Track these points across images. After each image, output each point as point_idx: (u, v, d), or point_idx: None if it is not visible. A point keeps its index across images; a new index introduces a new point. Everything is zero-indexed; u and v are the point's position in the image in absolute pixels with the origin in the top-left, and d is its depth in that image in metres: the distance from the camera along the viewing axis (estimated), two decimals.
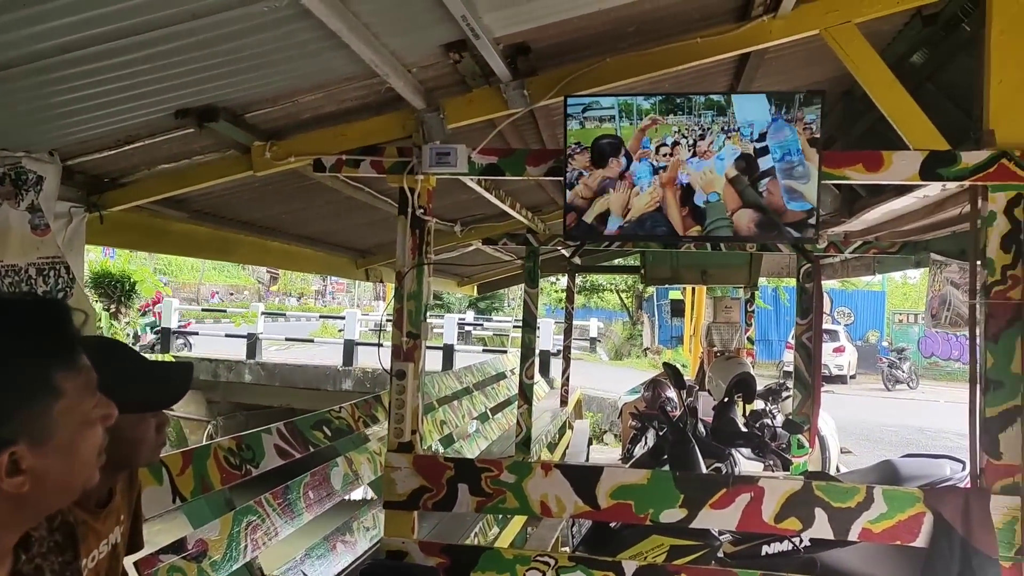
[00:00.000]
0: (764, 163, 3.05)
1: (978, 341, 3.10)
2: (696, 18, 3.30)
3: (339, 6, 2.34)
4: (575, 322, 26.92)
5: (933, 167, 3.08)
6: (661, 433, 5.22)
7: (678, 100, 3.13)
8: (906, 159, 3.10)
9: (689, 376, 11.06)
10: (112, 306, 13.00)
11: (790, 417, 6.38)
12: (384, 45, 2.84)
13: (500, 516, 5.38)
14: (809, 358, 6.64)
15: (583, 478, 3.27)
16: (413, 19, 2.70)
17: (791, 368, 22.67)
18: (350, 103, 3.40)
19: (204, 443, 3.64)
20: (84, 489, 1.25)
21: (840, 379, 23.95)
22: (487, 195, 4.69)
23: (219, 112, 3.03)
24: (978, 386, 3.10)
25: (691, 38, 3.27)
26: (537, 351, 14.78)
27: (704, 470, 4.66)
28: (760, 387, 8.95)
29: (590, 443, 10.75)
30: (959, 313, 5.67)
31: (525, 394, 6.94)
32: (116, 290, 13.12)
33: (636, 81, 3.39)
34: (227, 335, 17.79)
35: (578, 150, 3.19)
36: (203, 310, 28.07)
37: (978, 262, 3.16)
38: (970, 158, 3.05)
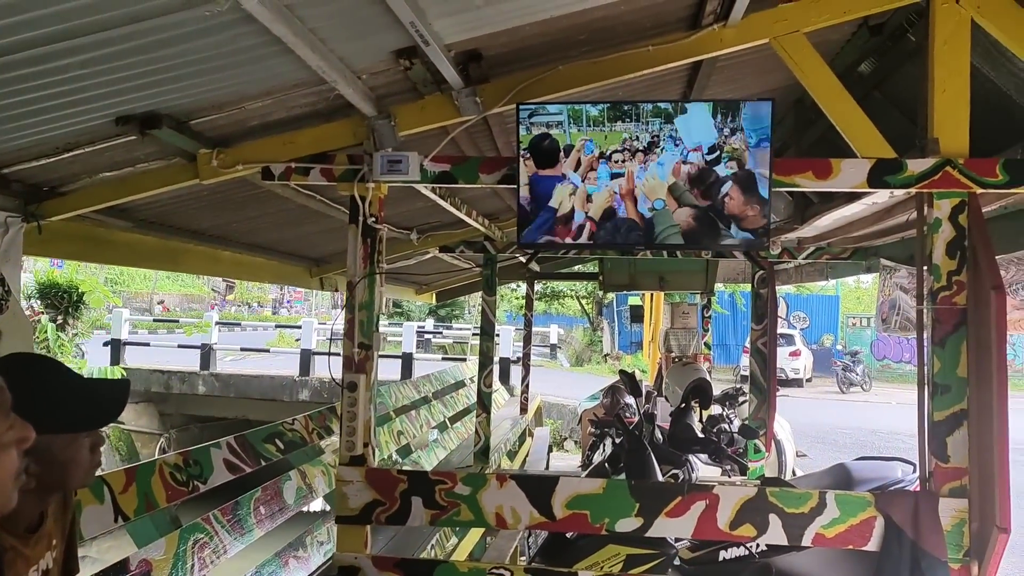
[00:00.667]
0: (716, 171, 3.06)
1: (926, 346, 3.14)
2: (648, 27, 3.31)
3: (283, 11, 2.29)
4: (535, 329, 26.97)
5: (880, 175, 3.12)
6: (618, 441, 5.22)
7: (626, 107, 3.13)
8: (854, 167, 3.14)
9: (648, 382, 11.12)
10: (59, 317, 12.64)
11: (746, 422, 6.43)
12: (332, 51, 2.80)
13: (458, 527, 5.33)
14: (764, 363, 6.72)
15: (538, 489, 3.24)
16: (361, 25, 2.66)
17: (748, 372, 22.87)
18: (299, 110, 3.34)
19: (148, 459, 3.53)
20: (1, 514, 1.18)
21: (796, 382, 24.32)
22: (442, 203, 4.65)
23: (162, 119, 2.95)
24: (926, 390, 3.14)
25: (643, 46, 3.27)
26: (496, 359, 14.80)
27: (660, 477, 4.66)
28: (717, 392, 9.06)
29: (550, 450, 10.74)
30: (908, 317, 5.78)
31: (483, 403, 6.90)
32: (63, 301, 12.77)
33: (589, 89, 3.38)
34: (180, 346, 17.44)
35: (528, 156, 3.17)
36: (155, 320, 27.53)
37: (925, 268, 3.20)
38: (916, 166, 3.10)
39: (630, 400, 8.64)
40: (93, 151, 3.10)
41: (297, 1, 2.33)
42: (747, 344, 23.94)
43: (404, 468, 6.21)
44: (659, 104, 3.14)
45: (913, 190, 3.13)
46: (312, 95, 3.21)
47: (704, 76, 4.03)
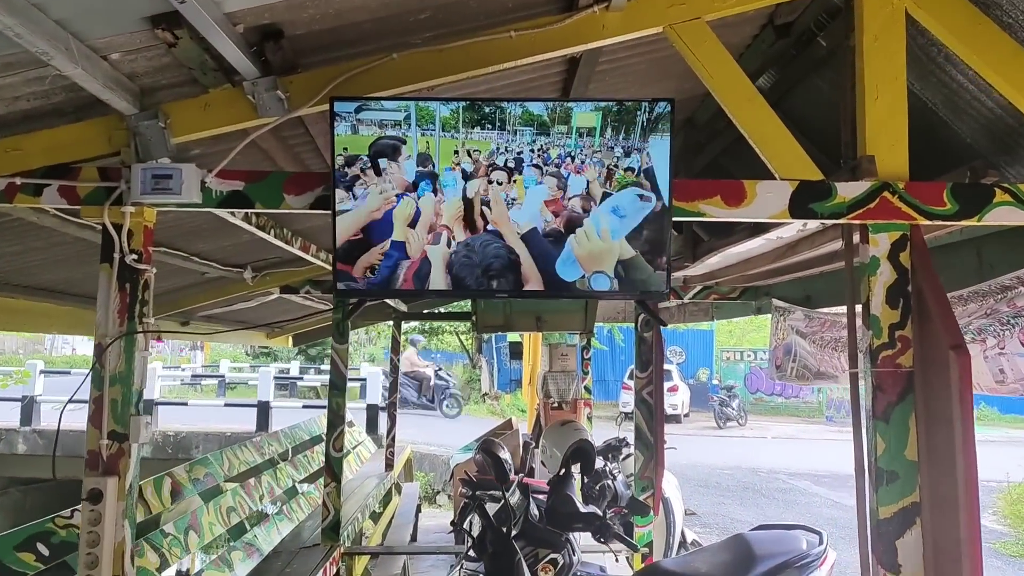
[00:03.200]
0: (601, 207, 2.32)
1: (864, 422, 2.46)
2: (509, 7, 2.54)
3: None
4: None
5: (805, 201, 2.45)
6: (484, 524, 4.37)
7: (487, 109, 2.34)
8: (773, 191, 2.46)
9: (527, 429, 10.34)
10: None
11: (631, 494, 5.73)
12: (44, 11, 1.87)
13: None
14: (651, 415, 6.03)
15: None
16: None
17: (629, 409, 22.58)
18: (24, 104, 2.37)
19: None
20: None
21: (675, 418, 24.19)
22: (263, 234, 3.72)
23: None
24: (865, 478, 2.46)
25: (503, 31, 2.50)
26: (365, 405, 13.69)
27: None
28: (598, 443, 8.38)
29: (419, 510, 9.75)
30: (806, 366, 5.23)
31: (332, 470, 5.89)
32: None
33: (434, 85, 2.57)
34: None
35: (352, 166, 2.32)
36: None
37: (857, 320, 2.54)
38: (847, 190, 2.44)
39: (505, 455, 7.81)
40: None
41: None
42: (626, 380, 23.73)
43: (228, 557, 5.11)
44: (529, 107, 2.35)
45: (845, 221, 2.46)
46: (37, 83, 2.25)
47: (581, 81, 3.29)
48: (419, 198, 2.35)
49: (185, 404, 14.37)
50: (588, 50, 2.78)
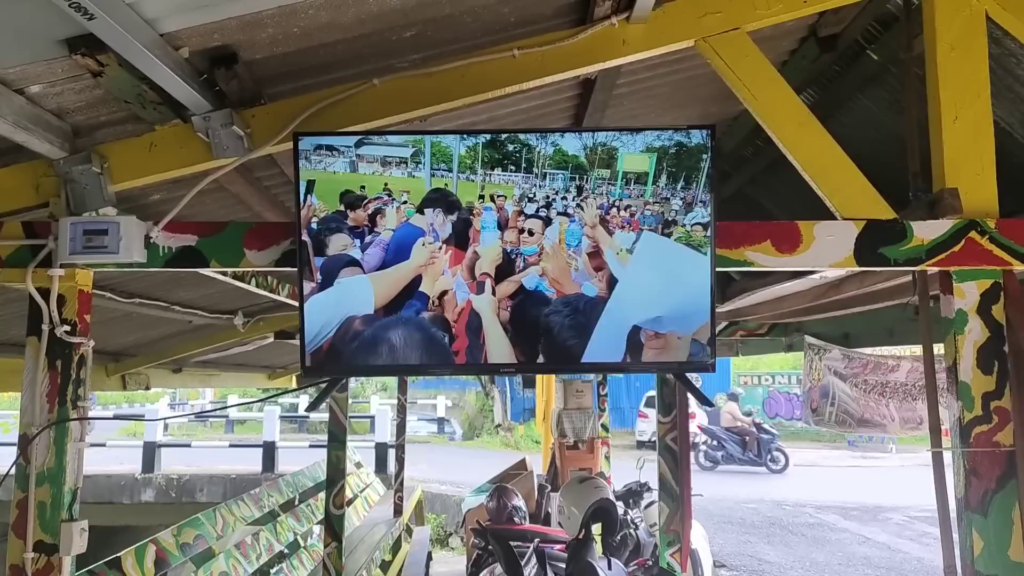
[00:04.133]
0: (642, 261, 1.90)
1: (953, 516, 2.01)
2: (512, 21, 2.14)
3: None
4: (421, 400, 25.24)
5: (874, 244, 2.02)
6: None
7: (510, 147, 1.93)
8: (835, 233, 2.03)
9: (541, 470, 9.85)
10: None
11: (655, 565, 5.24)
12: None
13: None
14: (676, 463, 5.56)
15: None
16: None
17: (644, 438, 21.91)
18: None
19: None
20: None
21: (693, 447, 23.56)
22: (242, 285, 3.32)
23: None
24: None
25: (504, 50, 2.10)
26: (373, 444, 13.22)
27: None
28: (618, 486, 7.88)
29: (429, 557, 9.25)
30: (847, 411, 4.77)
31: (333, 529, 5.44)
32: None
33: (424, 116, 2.17)
34: None
35: (330, 216, 1.92)
36: None
37: (943, 387, 2.10)
38: (925, 231, 2.02)
39: (519, 503, 7.36)
40: None
41: None
42: (643, 408, 23.14)
43: None
44: (561, 143, 1.94)
45: (925, 267, 2.03)
46: None
47: (596, 108, 2.89)
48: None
49: (189, 445, 13.95)
50: (605, 70, 2.38)
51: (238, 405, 17.67)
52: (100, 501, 12.58)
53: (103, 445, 13.75)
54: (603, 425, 9.24)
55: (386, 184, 1.92)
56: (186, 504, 12.83)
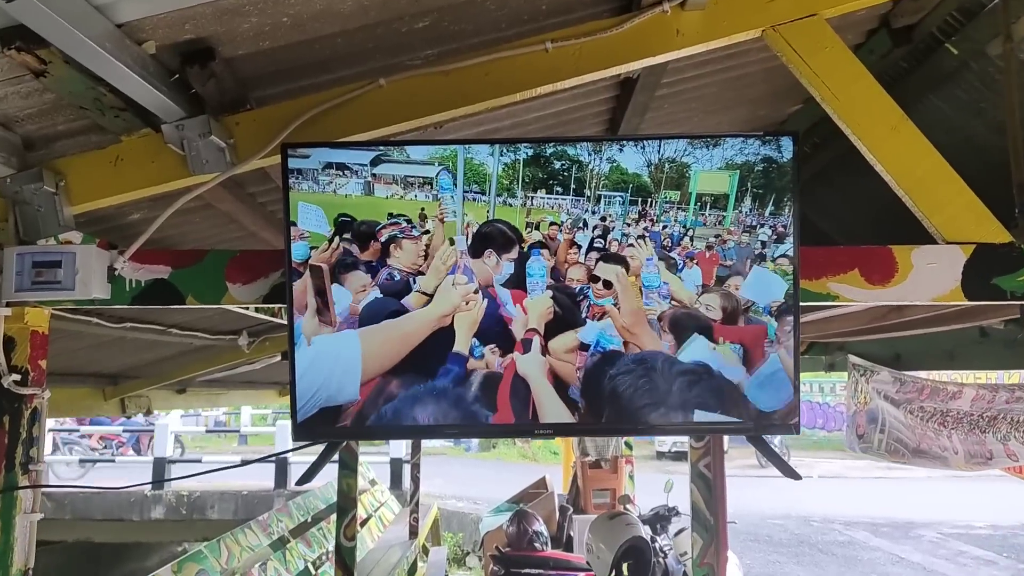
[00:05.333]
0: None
1: None
2: (543, 9, 1.80)
3: None
4: None
5: (985, 274, 1.67)
6: None
7: (557, 164, 1.60)
8: (937, 260, 1.68)
9: (562, 490, 9.47)
10: None
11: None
12: None
13: None
14: (710, 491, 5.17)
15: None
16: None
17: (665, 448, 21.51)
18: None
19: None
20: None
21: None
22: (235, 308, 3.00)
23: None
24: None
25: (535, 42, 1.76)
26: (388, 459, 12.88)
27: None
28: (646, 512, 7.49)
29: None
30: (900, 440, 4.38)
31: (344, 562, 5.09)
32: None
33: (440, 123, 1.84)
34: None
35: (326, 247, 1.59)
36: None
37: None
38: None
39: (540, 528, 7.02)
40: None
41: None
42: None
43: None
44: (619, 159, 1.60)
45: None
46: None
47: (635, 112, 2.54)
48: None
49: (199, 461, 13.68)
50: (651, 68, 2.04)
51: (260, 460, 17.39)
52: (109, 518, 12.35)
53: (112, 461, 13.54)
54: (626, 443, 8.85)
55: (423, 209, 1.58)
56: (197, 521, 12.57)
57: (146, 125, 1.72)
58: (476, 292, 1.59)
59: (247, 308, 3.07)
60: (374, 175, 1.65)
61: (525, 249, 1.58)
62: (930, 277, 1.68)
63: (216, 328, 4.49)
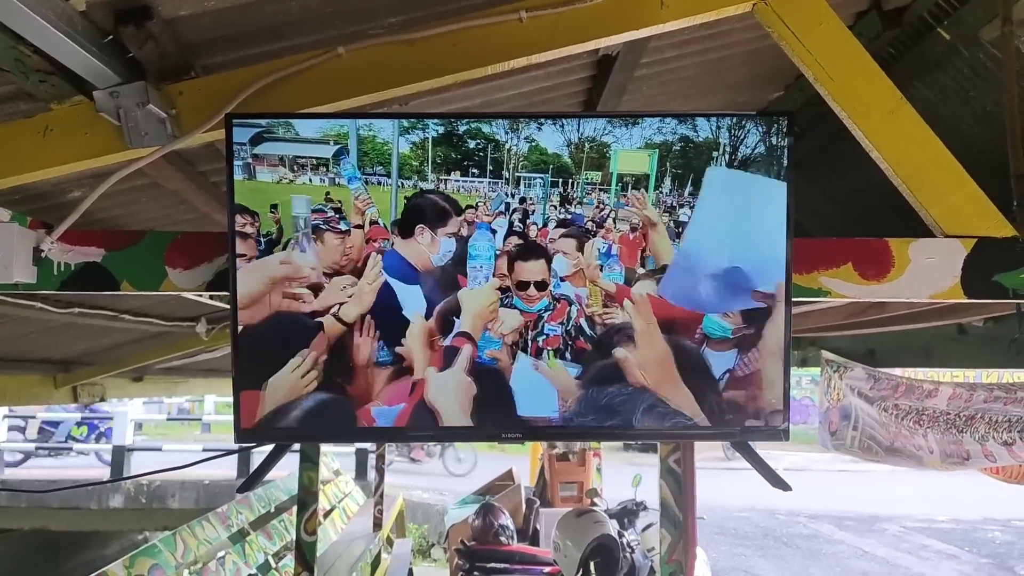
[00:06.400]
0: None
1: None
2: None
3: None
4: None
5: (987, 269, 1.56)
6: None
7: (472, 143, 1.46)
8: (936, 254, 1.57)
9: (529, 483, 9.38)
10: None
11: None
12: None
13: None
14: (679, 487, 5.10)
15: None
16: None
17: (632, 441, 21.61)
18: None
19: None
20: None
21: None
22: (190, 294, 2.84)
23: None
24: None
25: (507, 12, 1.62)
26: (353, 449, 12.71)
27: None
28: (613, 506, 7.39)
29: (411, 573, 8.77)
30: (873, 438, 4.32)
31: (304, 558, 4.93)
32: None
33: (404, 97, 1.70)
34: None
35: (261, 227, 1.44)
36: None
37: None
38: None
39: (506, 521, 6.92)
40: None
41: None
42: None
43: None
44: (538, 138, 1.47)
45: None
46: None
47: (613, 93, 2.41)
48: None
49: (160, 449, 13.37)
50: (630, 45, 1.91)
51: (221, 455, 17.08)
52: (66, 507, 12.05)
53: (69, 450, 13.20)
54: None
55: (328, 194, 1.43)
56: (157, 510, 12.30)
57: (79, 92, 1.55)
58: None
59: (202, 295, 2.91)
60: (255, 156, 1.49)
61: (468, 221, 1.43)
62: (928, 272, 1.57)
63: (173, 314, 4.30)
